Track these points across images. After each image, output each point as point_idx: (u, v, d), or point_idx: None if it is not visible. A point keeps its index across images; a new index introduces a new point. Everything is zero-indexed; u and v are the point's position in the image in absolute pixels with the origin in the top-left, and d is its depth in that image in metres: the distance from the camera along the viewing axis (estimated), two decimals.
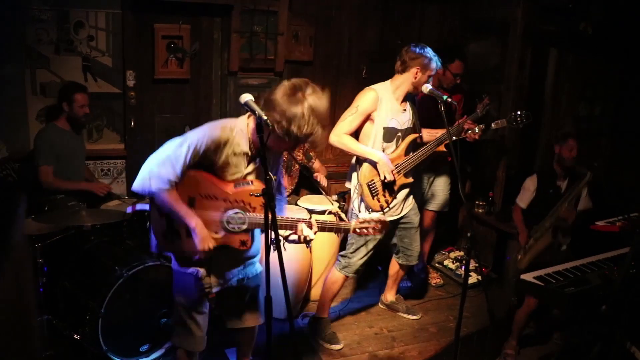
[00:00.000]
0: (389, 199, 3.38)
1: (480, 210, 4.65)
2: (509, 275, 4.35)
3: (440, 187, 4.31)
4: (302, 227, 2.41)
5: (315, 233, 2.42)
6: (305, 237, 2.42)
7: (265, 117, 2.02)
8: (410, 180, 3.45)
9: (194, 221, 2.30)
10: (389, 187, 3.36)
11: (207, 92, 4.49)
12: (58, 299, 3.22)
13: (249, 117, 2.34)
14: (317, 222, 2.45)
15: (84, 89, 3.82)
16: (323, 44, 4.71)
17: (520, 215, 3.79)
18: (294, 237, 2.46)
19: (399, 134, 3.36)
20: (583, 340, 3.14)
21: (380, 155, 3.28)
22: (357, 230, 2.53)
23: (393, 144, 3.36)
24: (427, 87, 2.94)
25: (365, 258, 3.46)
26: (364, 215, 3.35)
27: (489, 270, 4.56)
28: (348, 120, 3.28)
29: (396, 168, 3.33)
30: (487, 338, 3.62)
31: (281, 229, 2.42)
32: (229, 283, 2.53)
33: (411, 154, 3.42)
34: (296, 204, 3.95)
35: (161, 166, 2.22)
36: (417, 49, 3.26)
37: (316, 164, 4.40)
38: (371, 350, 3.53)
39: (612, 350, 2.51)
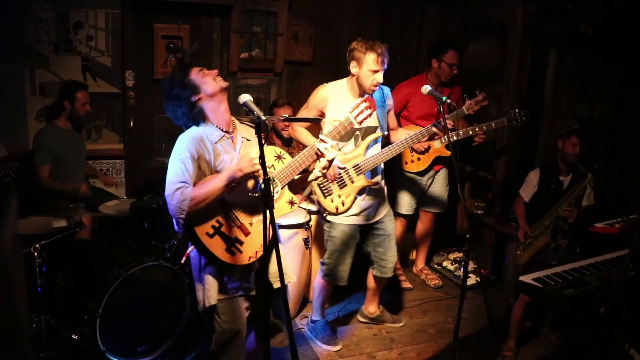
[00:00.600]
0: (346, 200, 3.17)
1: (479, 212, 4.65)
2: (508, 277, 4.34)
3: (438, 188, 4.30)
4: (321, 148, 2.37)
5: (333, 147, 2.41)
6: (330, 159, 2.39)
7: (264, 118, 2.02)
8: (375, 181, 3.24)
9: (230, 172, 2.22)
10: (345, 187, 3.18)
11: None
12: (56, 299, 3.22)
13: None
14: (327, 135, 2.45)
15: (85, 87, 3.83)
16: (323, 45, 4.71)
17: (523, 208, 3.75)
18: (322, 164, 2.41)
19: (357, 132, 3.16)
20: (581, 342, 3.14)
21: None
22: (358, 118, 2.53)
23: (351, 143, 3.20)
24: (426, 88, 2.88)
25: (345, 266, 3.33)
26: (330, 217, 3.26)
27: (487, 271, 4.55)
28: (300, 114, 3.29)
29: (354, 168, 3.17)
30: (485, 339, 3.62)
31: (306, 168, 2.44)
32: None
33: (373, 152, 3.23)
34: None
35: (173, 193, 2.21)
36: (353, 43, 3.11)
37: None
38: (369, 351, 3.53)
39: (611, 352, 2.51)
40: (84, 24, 4.02)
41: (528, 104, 3.77)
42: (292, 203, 2.47)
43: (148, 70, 4.23)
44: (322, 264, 3.42)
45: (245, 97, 2.12)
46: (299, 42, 4.58)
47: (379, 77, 3.06)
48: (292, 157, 4.07)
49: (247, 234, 2.36)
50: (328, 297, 3.60)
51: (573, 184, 3.55)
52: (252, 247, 2.38)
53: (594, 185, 3.52)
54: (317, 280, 3.50)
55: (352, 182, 3.18)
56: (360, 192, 3.22)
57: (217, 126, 2.37)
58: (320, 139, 2.42)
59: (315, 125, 3.37)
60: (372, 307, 3.82)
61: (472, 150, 4.52)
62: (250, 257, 2.38)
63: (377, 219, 3.37)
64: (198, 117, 2.36)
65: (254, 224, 2.38)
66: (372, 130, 3.21)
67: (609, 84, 4.88)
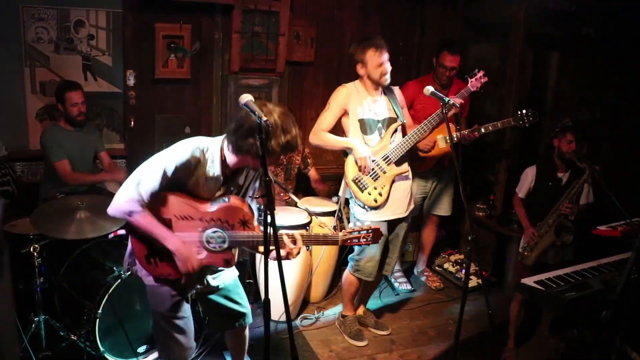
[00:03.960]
0: (382, 191, 3.28)
1: (480, 214, 4.63)
2: (509, 279, 4.33)
3: (444, 192, 4.29)
4: (286, 240, 2.31)
5: (299, 249, 2.32)
6: (288, 253, 2.30)
7: (265, 119, 2.00)
8: (405, 170, 3.35)
9: (172, 243, 2.24)
10: (379, 179, 3.29)
11: (207, 92, 4.47)
12: (55, 299, 3.20)
13: (224, 140, 2.30)
14: (302, 236, 2.35)
15: (75, 87, 3.69)
16: (324, 45, 4.69)
17: (522, 207, 3.70)
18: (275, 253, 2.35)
19: (380, 124, 3.31)
20: (583, 346, 3.12)
21: (355, 142, 3.25)
22: (348, 242, 2.41)
23: (376, 135, 3.32)
24: (428, 89, 2.89)
25: (373, 262, 3.37)
26: (362, 216, 3.33)
27: (488, 273, 4.54)
28: (323, 117, 3.34)
29: (383, 159, 3.28)
30: (486, 342, 3.61)
31: (261, 245, 2.32)
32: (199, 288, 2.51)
33: (397, 142, 3.35)
34: (296, 206, 3.93)
35: (132, 189, 2.19)
36: (351, 49, 3.35)
37: (312, 172, 4.36)
38: (370, 353, 3.52)
39: (613, 355, 2.49)
40: (84, 23, 4.01)
41: (530, 106, 3.74)
42: (227, 262, 2.36)
43: (149, 70, 4.22)
44: (352, 260, 3.46)
45: (247, 97, 2.10)
46: (301, 42, 4.57)
47: (386, 67, 3.24)
48: (286, 164, 4.08)
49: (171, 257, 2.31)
50: (357, 292, 3.63)
51: (572, 180, 3.51)
52: (167, 268, 2.34)
53: (592, 181, 3.48)
54: (346, 276, 3.55)
55: (384, 172, 3.30)
56: (395, 181, 3.32)
57: (223, 168, 2.29)
58: (294, 238, 2.31)
59: (337, 126, 3.38)
60: (358, 309, 3.82)
61: (474, 153, 4.52)
62: (162, 276, 2.36)
63: (404, 215, 3.40)
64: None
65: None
66: (393, 120, 3.34)
67: (611, 86, 4.86)
